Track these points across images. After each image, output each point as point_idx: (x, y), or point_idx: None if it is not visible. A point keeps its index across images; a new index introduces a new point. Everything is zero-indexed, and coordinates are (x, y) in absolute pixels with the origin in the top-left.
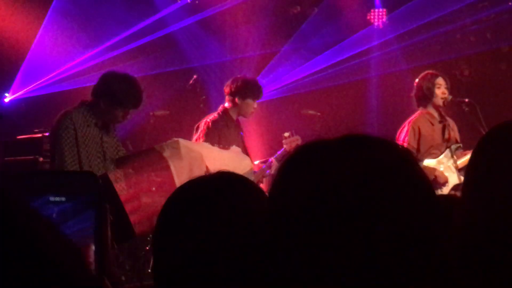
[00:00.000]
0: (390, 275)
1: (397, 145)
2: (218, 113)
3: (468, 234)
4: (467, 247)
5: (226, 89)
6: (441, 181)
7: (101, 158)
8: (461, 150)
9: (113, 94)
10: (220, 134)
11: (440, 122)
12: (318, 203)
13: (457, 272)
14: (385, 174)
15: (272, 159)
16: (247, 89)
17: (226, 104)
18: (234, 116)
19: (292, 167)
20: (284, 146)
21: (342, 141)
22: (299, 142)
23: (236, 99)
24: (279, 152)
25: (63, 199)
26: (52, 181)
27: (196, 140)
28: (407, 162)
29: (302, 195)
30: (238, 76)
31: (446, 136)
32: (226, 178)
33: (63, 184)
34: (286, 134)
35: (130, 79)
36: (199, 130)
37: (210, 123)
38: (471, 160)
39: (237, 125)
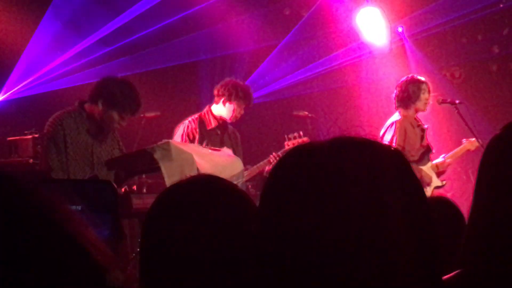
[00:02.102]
0: (382, 276)
1: (387, 146)
2: (200, 115)
3: (480, 234)
4: (479, 247)
5: (215, 90)
6: (427, 180)
7: (89, 165)
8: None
9: (113, 96)
10: (197, 136)
11: (418, 126)
12: (309, 205)
13: (462, 268)
14: (375, 176)
15: (274, 154)
16: (235, 93)
17: (213, 106)
18: (219, 118)
19: (283, 169)
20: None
21: (332, 143)
22: None
23: (223, 101)
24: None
25: (79, 208)
26: (69, 189)
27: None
28: (397, 163)
29: (293, 197)
30: (230, 79)
31: (423, 142)
32: (209, 182)
33: (79, 193)
34: (291, 136)
35: (129, 84)
36: (177, 133)
37: (188, 124)
38: (483, 160)
39: (222, 126)
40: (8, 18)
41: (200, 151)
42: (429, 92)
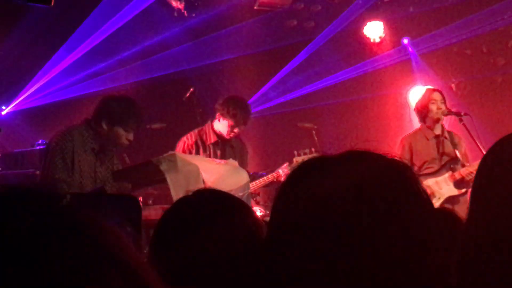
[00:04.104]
0: (387, 285)
1: (396, 160)
2: (199, 130)
3: (475, 244)
4: (474, 259)
5: (215, 105)
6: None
7: (92, 183)
8: (459, 164)
9: (115, 114)
10: (194, 152)
11: (436, 137)
12: (318, 214)
13: (459, 278)
14: (385, 188)
15: (283, 168)
16: (228, 110)
17: (215, 120)
18: (217, 133)
19: (295, 180)
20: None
21: (344, 156)
22: None
23: (218, 116)
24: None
25: None
26: (93, 203)
27: None
28: (405, 177)
29: (303, 207)
30: (230, 95)
31: (441, 150)
32: (213, 197)
33: (103, 207)
34: (301, 152)
35: (129, 99)
36: (177, 148)
37: (185, 140)
38: (477, 173)
39: (223, 141)
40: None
41: (206, 163)
42: (443, 101)
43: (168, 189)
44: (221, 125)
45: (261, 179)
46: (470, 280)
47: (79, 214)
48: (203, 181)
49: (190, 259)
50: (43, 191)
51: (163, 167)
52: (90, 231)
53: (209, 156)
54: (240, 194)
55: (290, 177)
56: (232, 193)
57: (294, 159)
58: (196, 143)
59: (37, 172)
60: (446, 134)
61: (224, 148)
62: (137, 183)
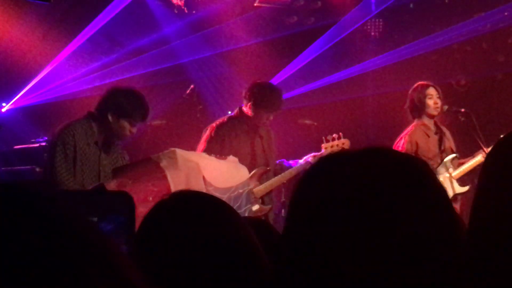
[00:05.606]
0: (404, 284)
1: (414, 157)
2: (229, 116)
3: (479, 242)
4: (479, 256)
5: (244, 92)
6: None
7: (96, 177)
8: (457, 160)
9: (121, 106)
10: (225, 138)
11: (436, 133)
12: (337, 210)
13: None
14: (404, 183)
15: (310, 157)
16: (256, 99)
17: (243, 108)
18: (249, 121)
19: (315, 175)
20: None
21: (363, 152)
22: (346, 145)
23: (249, 105)
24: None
25: (95, 219)
26: (85, 200)
27: (200, 143)
28: (424, 173)
29: (322, 202)
30: (259, 82)
31: (443, 147)
32: (194, 199)
33: (95, 204)
34: (329, 137)
35: (136, 92)
36: (205, 134)
37: (215, 127)
38: (484, 167)
39: (253, 129)
40: (16, 27)
41: (206, 160)
42: (438, 96)
43: (168, 186)
44: (254, 113)
45: (290, 170)
46: (475, 279)
47: (64, 214)
48: (203, 178)
49: (165, 264)
50: (33, 189)
51: (163, 164)
52: (74, 230)
53: (239, 145)
54: (240, 191)
55: (309, 172)
56: (232, 189)
57: (322, 146)
58: (228, 130)
59: (37, 168)
60: (444, 130)
61: (254, 136)
62: (136, 180)
